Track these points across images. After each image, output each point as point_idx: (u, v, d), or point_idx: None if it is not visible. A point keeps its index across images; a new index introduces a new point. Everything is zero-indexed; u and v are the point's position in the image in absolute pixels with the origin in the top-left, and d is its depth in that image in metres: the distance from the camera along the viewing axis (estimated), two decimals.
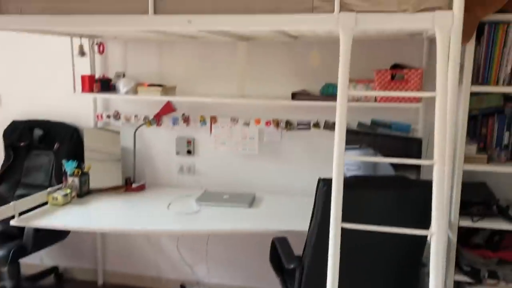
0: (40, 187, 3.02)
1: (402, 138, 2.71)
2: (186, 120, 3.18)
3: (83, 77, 3.08)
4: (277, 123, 3.06)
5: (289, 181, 3.11)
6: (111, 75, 3.23)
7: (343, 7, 1.82)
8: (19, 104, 3.42)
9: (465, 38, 2.04)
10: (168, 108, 3.14)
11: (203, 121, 3.16)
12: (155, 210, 2.75)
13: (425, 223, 1.83)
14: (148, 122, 3.20)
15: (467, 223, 2.36)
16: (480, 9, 2.09)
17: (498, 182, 2.68)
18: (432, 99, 1.78)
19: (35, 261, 3.45)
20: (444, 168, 1.76)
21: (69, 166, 2.95)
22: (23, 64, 3.39)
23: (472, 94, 2.28)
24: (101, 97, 3.24)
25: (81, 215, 2.68)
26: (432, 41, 2.69)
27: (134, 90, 3.03)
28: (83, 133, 3.16)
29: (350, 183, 1.86)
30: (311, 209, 2.04)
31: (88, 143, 3.11)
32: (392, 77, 2.61)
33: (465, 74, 2.22)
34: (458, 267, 2.43)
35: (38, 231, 2.74)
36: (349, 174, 2.43)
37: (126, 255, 3.45)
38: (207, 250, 3.29)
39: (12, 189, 3.21)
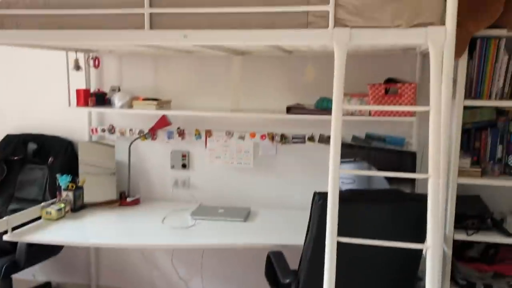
0: (34, 202, 2.99)
1: (396, 151, 2.72)
2: (181, 133, 3.19)
3: (78, 91, 3.08)
4: (272, 137, 3.06)
5: (284, 194, 3.11)
6: (106, 89, 3.24)
7: (337, 23, 1.84)
8: (13, 118, 3.41)
9: (458, 53, 2.07)
10: (163, 122, 3.14)
11: (198, 134, 3.17)
12: (150, 225, 2.73)
13: (421, 237, 1.83)
14: (143, 136, 3.20)
15: (462, 236, 2.36)
16: (472, 25, 2.12)
17: (492, 195, 2.69)
18: (426, 113, 1.80)
19: (28, 277, 3.41)
20: (439, 182, 1.77)
21: (63, 180, 2.94)
22: (18, 78, 3.39)
23: (465, 108, 2.30)
24: (96, 111, 3.24)
25: (75, 229, 2.66)
26: (425, 55, 2.72)
27: (129, 104, 3.03)
28: (78, 147, 3.16)
29: (345, 197, 1.87)
30: (307, 223, 2.04)
31: (83, 157, 3.10)
32: (386, 91, 2.63)
33: (458, 88, 2.25)
34: (454, 281, 2.42)
35: (31, 246, 2.70)
36: (344, 187, 2.44)
37: (120, 270, 3.42)
38: (202, 265, 3.27)
39: (5, 203, 3.18)
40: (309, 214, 2.01)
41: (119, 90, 3.21)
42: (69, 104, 3.13)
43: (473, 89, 2.34)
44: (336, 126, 1.82)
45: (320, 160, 3.00)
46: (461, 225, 2.38)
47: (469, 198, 2.63)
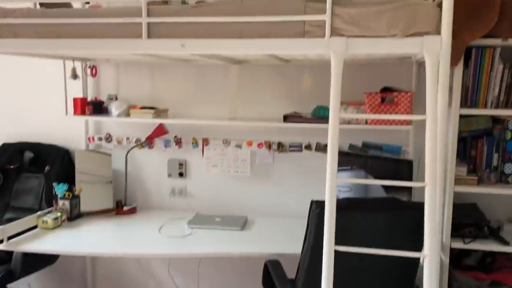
0: (30, 211, 2.98)
1: (393, 160, 2.73)
2: (178, 142, 3.19)
3: (75, 100, 3.08)
4: (269, 145, 3.07)
5: (281, 203, 3.11)
6: (103, 97, 3.24)
7: (334, 32, 1.86)
8: (9, 126, 3.41)
9: (453, 62, 2.08)
10: (160, 131, 3.14)
11: (195, 143, 3.17)
12: (146, 234, 2.72)
13: (418, 245, 1.84)
14: (140, 144, 3.20)
15: (459, 244, 2.36)
16: (468, 34, 2.13)
17: (489, 203, 2.70)
18: (422, 122, 1.81)
19: (23, 287, 3.37)
20: (436, 190, 1.78)
21: (59, 189, 2.93)
22: (15, 86, 3.39)
23: (461, 117, 2.31)
24: (93, 119, 3.24)
25: (71, 239, 2.64)
26: (421, 64, 2.74)
27: (126, 113, 3.04)
28: (75, 156, 3.15)
29: (342, 205, 1.87)
30: (304, 232, 2.04)
31: (80, 165, 3.10)
32: (382, 100, 2.64)
33: (454, 97, 2.26)
34: None
35: (27, 256, 2.68)
36: (340, 195, 2.44)
37: (116, 279, 3.40)
38: (198, 274, 3.26)
39: (1, 212, 3.16)
40: (306, 222, 2.01)
41: (116, 98, 3.21)
42: (66, 113, 3.13)
43: (469, 97, 2.36)
44: (333, 135, 1.83)
45: (317, 169, 3.00)
46: (458, 233, 2.38)
47: (465, 206, 2.63)
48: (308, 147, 3.02)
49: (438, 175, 1.80)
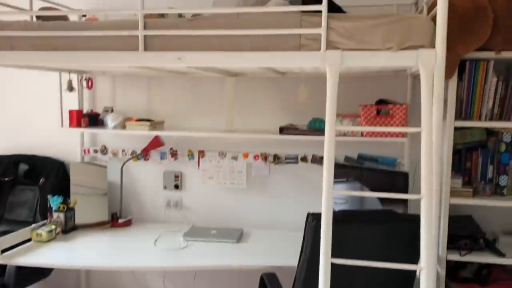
0: (24, 223, 2.95)
1: (389, 172, 2.73)
2: (174, 154, 3.18)
3: (71, 112, 3.08)
4: (265, 157, 3.07)
5: (277, 215, 3.10)
6: (99, 110, 3.24)
7: (329, 45, 1.87)
8: (4, 139, 3.40)
9: (448, 74, 2.10)
10: (156, 143, 3.14)
11: (191, 155, 3.16)
12: (142, 246, 2.71)
13: (414, 257, 1.83)
14: (135, 156, 3.19)
15: (455, 257, 2.36)
16: (461, 47, 2.16)
17: (484, 215, 2.71)
18: (417, 134, 1.82)
19: None
20: (432, 202, 1.78)
21: (54, 201, 2.91)
22: (10, 98, 3.39)
23: (456, 129, 2.33)
24: (88, 131, 3.24)
25: (65, 251, 2.62)
26: (415, 77, 2.76)
27: (122, 125, 3.03)
28: (70, 168, 3.14)
29: (338, 218, 1.87)
30: (300, 244, 2.03)
31: (75, 177, 3.08)
32: (378, 112, 2.66)
33: (448, 109, 2.28)
34: None
35: (20, 269, 2.65)
36: (336, 207, 2.44)
37: None
38: (194, 287, 3.23)
39: None
40: (302, 235, 2.01)
41: (112, 110, 3.21)
42: (62, 125, 3.12)
43: (463, 110, 2.37)
44: (329, 147, 1.84)
45: (313, 180, 3.01)
46: (454, 245, 2.38)
47: (461, 218, 2.64)
48: (304, 159, 3.03)
49: (434, 187, 1.80)
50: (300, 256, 2.03)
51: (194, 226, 3.07)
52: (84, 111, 3.19)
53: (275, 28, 1.91)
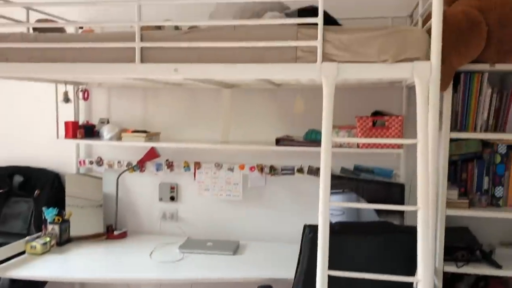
0: (18, 236, 2.92)
1: (385, 183, 2.74)
2: (170, 165, 3.17)
3: (66, 123, 3.07)
4: (261, 168, 3.07)
5: (274, 227, 3.09)
6: (95, 121, 3.23)
7: (325, 58, 1.88)
8: None
9: (443, 86, 2.12)
10: (152, 154, 3.13)
11: (187, 166, 3.16)
12: (137, 258, 2.69)
13: (411, 269, 1.83)
14: (131, 168, 3.18)
15: (451, 268, 2.36)
16: (456, 60, 2.17)
17: (480, 226, 2.71)
18: (413, 145, 1.82)
19: None
20: (428, 213, 1.78)
21: (49, 213, 2.89)
22: (6, 110, 3.38)
23: (452, 140, 2.33)
24: (84, 143, 3.23)
25: (60, 264, 2.60)
26: (411, 88, 2.78)
27: (118, 136, 3.03)
28: (65, 179, 3.12)
29: (335, 229, 1.86)
30: (297, 256, 2.02)
31: (70, 189, 3.07)
32: (374, 124, 2.67)
33: (444, 121, 2.29)
34: None
35: (14, 282, 2.62)
36: (333, 219, 2.43)
37: None
38: None
39: None
40: (299, 246, 2.00)
41: (108, 122, 3.21)
42: (57, 136, 3.11)
43: (459, 121, 2.39)
44: (325, 158, 1.84)
45: (309, 192, 3.00)
46: (451, 257, 2.37)
47: (457, 229, 2.64)
48: (300, 170, 3.03)
49: (430, 199, 1.80)
50: (297, 268, 2.02)
51: (190, 238, 3.06)
52: (80, 123, 3.19)
53: (271, 40, 1.92)
